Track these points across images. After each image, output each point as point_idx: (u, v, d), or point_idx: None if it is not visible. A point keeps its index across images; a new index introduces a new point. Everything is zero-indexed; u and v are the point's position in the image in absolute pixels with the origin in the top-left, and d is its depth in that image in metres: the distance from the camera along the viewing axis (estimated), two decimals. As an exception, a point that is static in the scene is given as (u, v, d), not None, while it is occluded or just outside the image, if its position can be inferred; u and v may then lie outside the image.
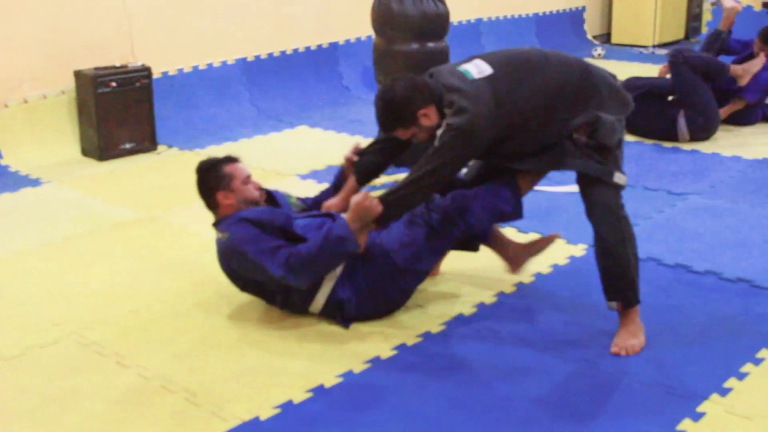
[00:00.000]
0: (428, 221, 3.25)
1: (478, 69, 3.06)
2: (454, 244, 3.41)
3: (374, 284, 3.25)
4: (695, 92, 5.68)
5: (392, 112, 3.03)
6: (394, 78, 3.11)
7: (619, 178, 3.10)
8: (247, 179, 3.36)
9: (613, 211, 3.09)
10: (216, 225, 3.30)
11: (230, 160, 3.39)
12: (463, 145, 2.97)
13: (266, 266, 3.09)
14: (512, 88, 3.02)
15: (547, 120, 3.06)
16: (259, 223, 3.17)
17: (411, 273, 3.27)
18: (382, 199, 3.08)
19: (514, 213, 3.30)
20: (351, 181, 3.40)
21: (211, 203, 3.35)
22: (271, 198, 3.47)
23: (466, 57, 3.19)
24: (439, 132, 3.00)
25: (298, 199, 3.60)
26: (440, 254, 3.42)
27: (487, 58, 3.11)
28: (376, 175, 3.43)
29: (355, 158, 3.39)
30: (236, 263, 3.21)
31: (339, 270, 3.22)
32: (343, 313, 3.24)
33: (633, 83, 5.80)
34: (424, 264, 3.30)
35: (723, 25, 6.19)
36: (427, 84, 3.06)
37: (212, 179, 3.33)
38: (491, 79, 3.01)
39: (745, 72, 5.87)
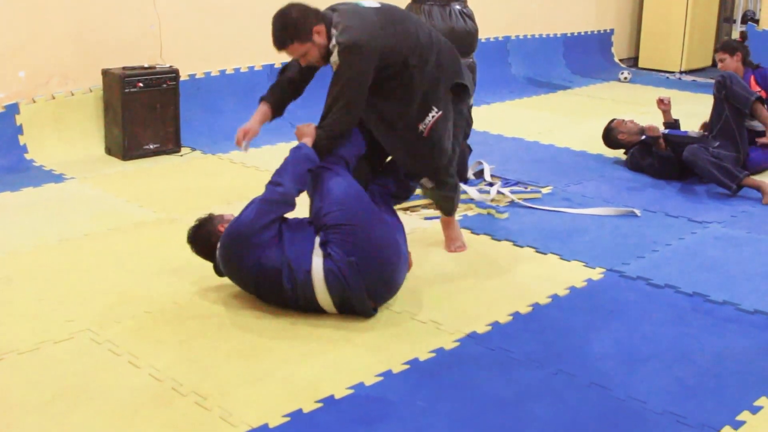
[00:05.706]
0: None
1: (369, 2, 3.61)
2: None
3: (340, 246, 3.30)
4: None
5: (290, 26, 3.40)
6: (288, 2, 3.48)
7: (425, 181, 3.89)
8: (231, 216, 3.60)
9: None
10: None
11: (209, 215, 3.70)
12: (359, 59, 3.42)
13: (247, 211, 3.38)
14: (396, 20, 3.57)
15: (423, 61, 3.59)
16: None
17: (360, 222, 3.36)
18: (318, 125, 3.58)
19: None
20: (262, 106, 3.77)
21: (213, 243, 3.50)
22: None
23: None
24: (333, 58, 3.44)
25: None
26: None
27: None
28: (284, 106, 3.81)
29: None
30: (232, 252, 3.37)
31: (321, 261, 3.28)
32: (345, 292, 3.29)
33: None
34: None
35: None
36: (317, 8, 3.49)
37: (209, 224, 3.59)
38: (378, 10, 3.57)
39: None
